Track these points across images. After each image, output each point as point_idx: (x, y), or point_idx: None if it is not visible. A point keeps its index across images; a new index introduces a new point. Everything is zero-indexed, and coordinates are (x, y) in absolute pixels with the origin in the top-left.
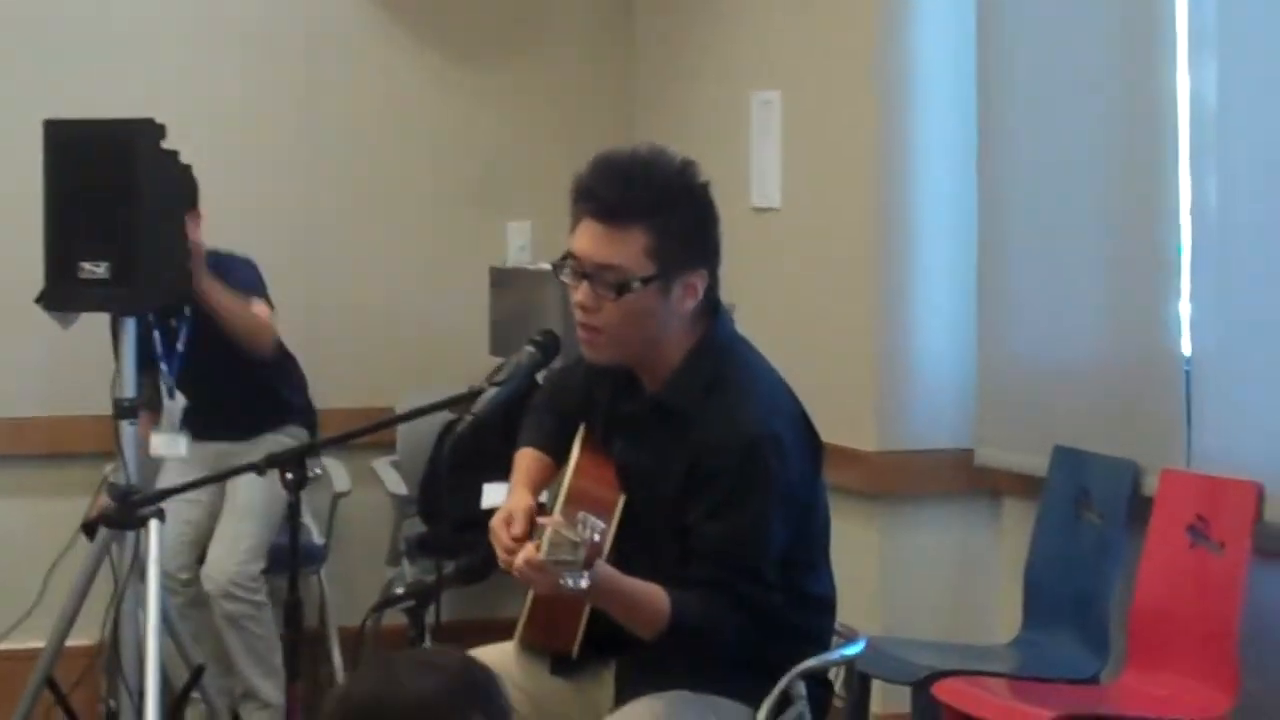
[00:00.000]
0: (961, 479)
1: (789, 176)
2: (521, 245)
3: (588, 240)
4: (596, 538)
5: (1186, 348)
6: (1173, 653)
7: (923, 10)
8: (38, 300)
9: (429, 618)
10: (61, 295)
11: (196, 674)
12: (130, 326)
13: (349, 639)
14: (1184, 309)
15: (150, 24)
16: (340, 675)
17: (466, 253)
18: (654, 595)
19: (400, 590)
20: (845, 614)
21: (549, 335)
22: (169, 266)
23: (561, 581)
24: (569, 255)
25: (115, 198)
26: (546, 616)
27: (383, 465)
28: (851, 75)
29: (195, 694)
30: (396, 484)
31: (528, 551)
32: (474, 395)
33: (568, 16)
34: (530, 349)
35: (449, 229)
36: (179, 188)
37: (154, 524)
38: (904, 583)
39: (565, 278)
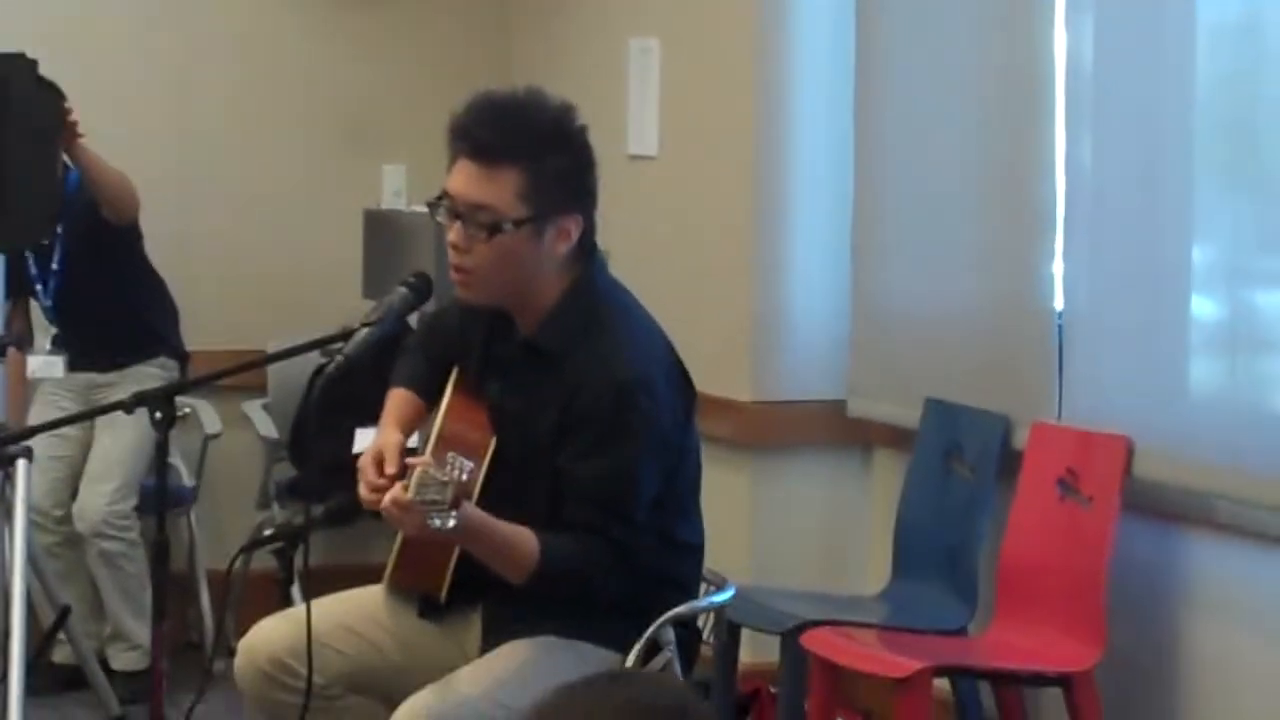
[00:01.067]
0: (834, 430)
1: (666, 125)
2: (396, 189)
3: (462, 180)
4: (464, 478)
5: (1059, 303)
6: (1041, 605)
7: None
8: None
9: (298, 561)
10: None
11: (63, 615)
12: (0, 262)
13: (217, 581)
14: (1057, 265)
15: None
16: (208, 618)
17: (340, 195)
18: (523, 538)
19: (269, 532)
20: (716, 562)
21: (422, 277)
22: (39, 203)
23: (429, 522)
24: (444, 194)
25: None
26: (415, 559)
27: (253, 407)
28: (730, 24)
29: (61, 636)
30: (267, 427)
31: (395, 491)
32: (345, 336)
33: None
34: (403, 290)
35: (323, 171)
36: (51, 122)
37: (21, 464)
38: (775, 533)
39: (439, 217)
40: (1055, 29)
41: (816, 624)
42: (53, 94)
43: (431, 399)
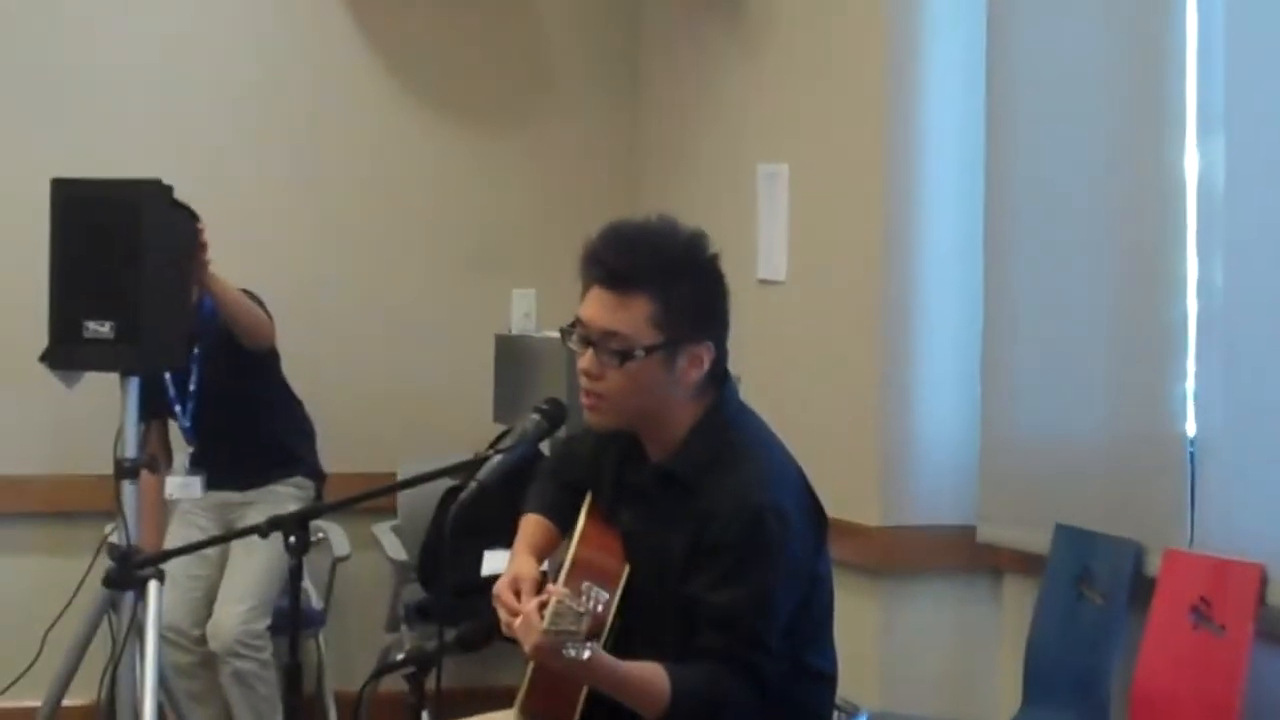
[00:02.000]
0: (963, 555)
1: (795, 249)
2: (526, 312)
3: (594, 307)
4: (599, 609)
5: (1191, 428)
6: None
7: (932, 87)
8: (42, 359)
9: (429, 684)
10: (66, 354)
11: None
12: (133, 386)
13: (345, 704)
14: (1189, 389)
15: (159, 84)
16: None
17: (471, 319)
18: (654, 676)
19: (400, 656)
20: (845, 688)
21: (554, 404)
22: (173, 327)
23: (564, 652)
24: (576, 321)
25: (121, 258)
26: (547, 686)
27: (383, 530)
28: (860, 149)
29: None
30: (396, 549)
31: (531, 618)
32: (477, 463)
33: (574, 84)
34: (536, 417)
35: (454, 295)
36: (184, 247)
37: (153, 585)
38: (905, 659)
39: (572, 344)
40: (1186, 149)
41: None
42: (188, 216)
43: (565, 525)
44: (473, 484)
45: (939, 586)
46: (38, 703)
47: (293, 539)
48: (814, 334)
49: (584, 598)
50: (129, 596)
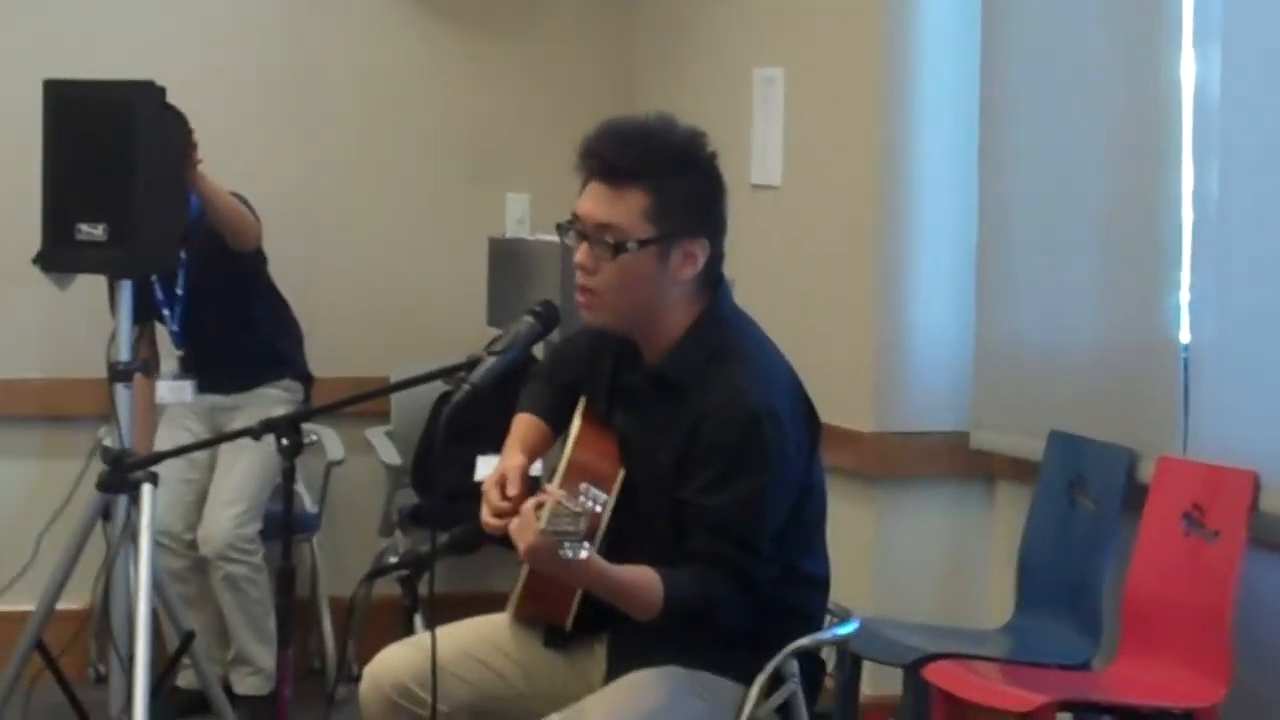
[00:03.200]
0: (957, 462)
1: (790, 154)
2: (520, 217)
3: (590, 201)
4: (597, 508)
5: (1185, 336)
6: (1166, 640)
7: None
8: (35, 261)
9: (422, 588)
10: (58, 257)
11: (187, 639)
12: (127, 289)
13: (339, 608)
14: (1183, 297)
15: None
16: (330, 644)
17: (465, 224)
18: (647, 580)
19: (394, 559)
20: (837, 594)
21: (548, 306)
22: (166, 229)
23: (560, 553)
24: (574, 217)
25: (114, 160)
26: (541, 589)
27: (377, 435)
28: (856, 53)
29: (185, 660)
30: (390, 454)
31: (528, 518)
32: (470, 365)
33: None
34: (529, 319)
35: (447, 200)
36: (177, 149)
37: (147, 488)
38: (897, 565)
39: (568, 239)
40: (1182, 58)
41: (939, 657)
42: (179, 120)
43: (558, 427)
44: (465, 386)
45: (932, 493)
46: (31, 606)
47: (285, 441)
48: (808, 239)
49: (581, 498)
50: (123, 500)
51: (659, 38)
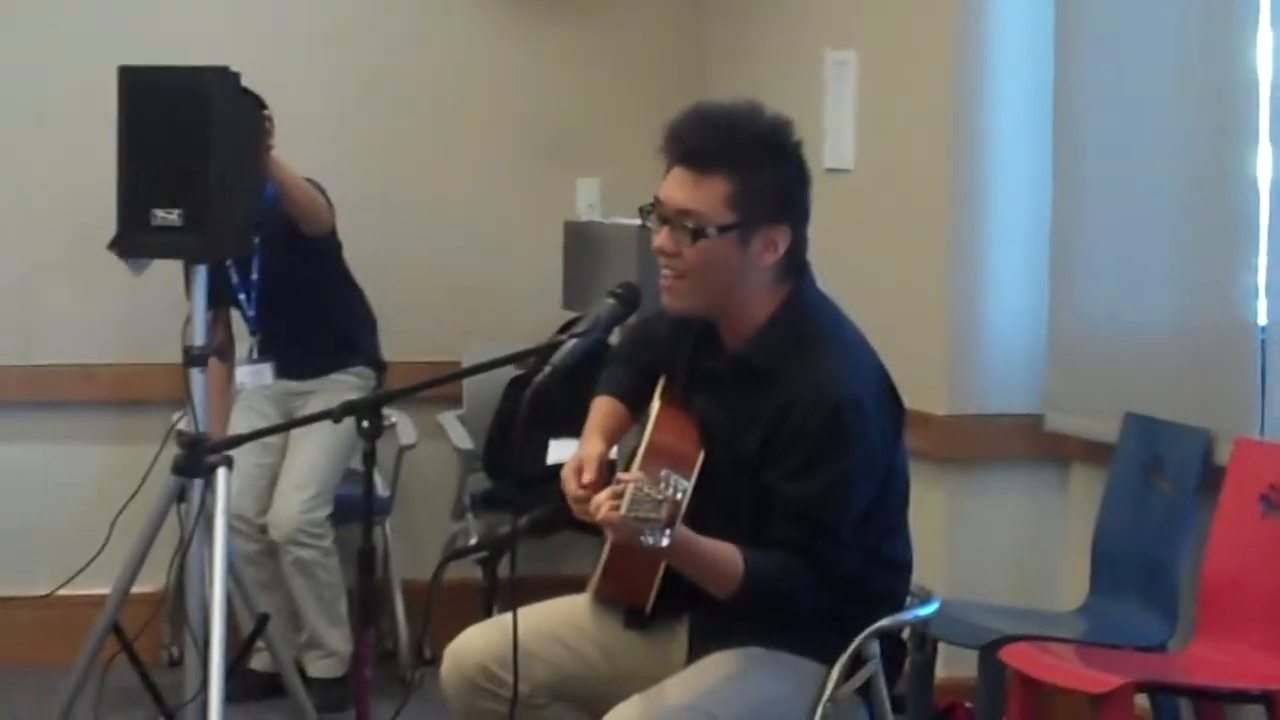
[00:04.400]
0: (1031, 444)
1: (863, 138)
2: (590, 202)
3: (672, 185)
4: (679, 496)
5: (1262, 316)
6: (1243, 622)
7: None
8: (110, 246)
9: (503, 570)
10: (134, 242)
11: (261, 622)
12: (202, 274)
13: (411, 592)
14: (1260, 278)
15: None
16: (402, 627)
17: (537, 208)
18: (729, 556)
19: (474, 541)
20: (915, 576)
21: (629, 288)
22: (241, 214)
23: (642, 539)
24: (655, 201)
25: (189, 146)
26: (622, 571)
27: (449, 419)
28: (929, 36)
29: (260, 643)
30: (462, 438)
31: (606, 503)
32: (546, 349)
33: None
34: (610, 302)
35: (519, 184)
36: (251, 135)
37: (221, 472)
38: (972, 547)
39: (649, 223)
40: (1259, 37)
41: (1015, 639)
42: (255, 104)
43: (637, 409)
44: (547, 367)
45: (1006, 475)
46: (107, 590)
47: (365, 424)
48: (882, 223)
49: (662, 484)
50: (198, 484)
51: (730, 21)
